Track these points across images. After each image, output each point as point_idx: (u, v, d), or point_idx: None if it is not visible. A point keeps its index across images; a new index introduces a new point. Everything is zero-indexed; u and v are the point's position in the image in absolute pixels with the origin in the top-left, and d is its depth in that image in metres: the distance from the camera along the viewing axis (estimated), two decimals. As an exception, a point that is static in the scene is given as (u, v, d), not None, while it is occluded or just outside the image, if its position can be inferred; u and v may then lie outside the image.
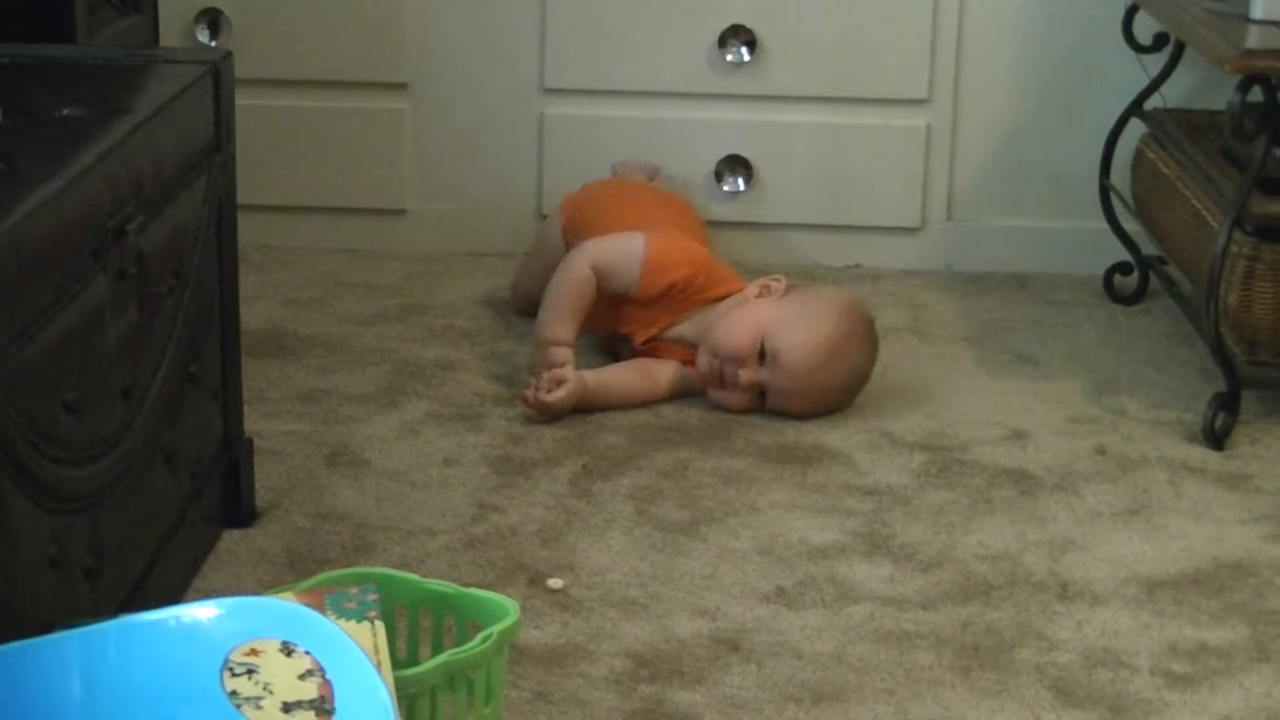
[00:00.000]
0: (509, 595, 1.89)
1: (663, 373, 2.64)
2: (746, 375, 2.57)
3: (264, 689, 1.49)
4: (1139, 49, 2.98)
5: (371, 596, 1.69)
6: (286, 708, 1.48)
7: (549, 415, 2.55)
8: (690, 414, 2.60)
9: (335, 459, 2.44)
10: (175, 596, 2.04)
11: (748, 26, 3.10)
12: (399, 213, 3.15)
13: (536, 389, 2.55)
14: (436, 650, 1.81)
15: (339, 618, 1.64)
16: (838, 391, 2.61)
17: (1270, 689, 1.99)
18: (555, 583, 2.15)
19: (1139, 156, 3.00)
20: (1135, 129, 3.03)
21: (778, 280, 2.68)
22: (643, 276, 2.66)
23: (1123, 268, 3.08)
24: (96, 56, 2.19)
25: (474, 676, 1.72)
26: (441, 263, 3.13)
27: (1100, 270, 3.09)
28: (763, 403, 2.59)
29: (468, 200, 3.14)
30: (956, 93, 3.13)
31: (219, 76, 2.14)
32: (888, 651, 2.04)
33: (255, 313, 2.85)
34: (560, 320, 2.63)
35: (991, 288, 3.11)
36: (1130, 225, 3.05)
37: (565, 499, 2.35)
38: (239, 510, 2.25)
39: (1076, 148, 3.13)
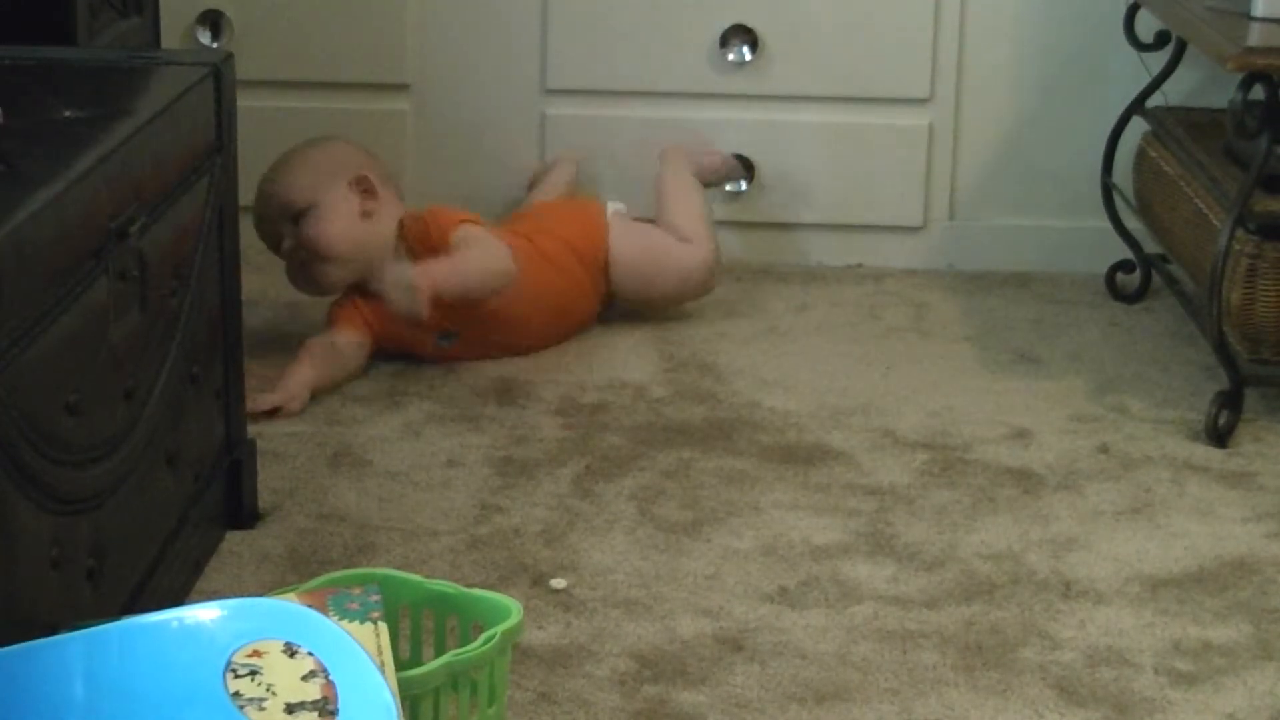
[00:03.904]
0: (512, 596, 1.89)
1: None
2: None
3: (267, 690, 1.49)
4: (1141, 47, 2.98)
5: (374, 597, 1.69)
6: (289, 709, 1.48)
7: None
8: (693, 414, 2.60)
9: (338, 460, 2.44)
10: (178, 598, 2.04)
11: (749, 26, 3.10)
12: (401, 213, 3.14)
13: None
14: (439, 651, 1.80)
15: (342, 619, 1.64)
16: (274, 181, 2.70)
17: (1274, 687, 1.99)
18: (558, 583, 2.15)
19: (1141, 155, 3.00)
20: (1137, 127, 3.03)
21: None
22: None
23: (1125, 266, 3.08)
24: (98, 58, 2.19)
25: (477, 677, 1.72)
26: (443, 263, 3.13)
27: (1102, 269, 3.09)
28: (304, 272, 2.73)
29: (469, 201, 3.13)
30: (958, 92, 3.13)
31: (220, 78, 2.13)
32: (891, 651, 2.04)
33: (257, 314, 2.85)
34: None
35: (993, 287, 3.11)
36: (1132, 224, 3.05)
37: (567, 499, 2.35)
38: (241, 511, 2.25)
39: (1078, 146, 3.13)
